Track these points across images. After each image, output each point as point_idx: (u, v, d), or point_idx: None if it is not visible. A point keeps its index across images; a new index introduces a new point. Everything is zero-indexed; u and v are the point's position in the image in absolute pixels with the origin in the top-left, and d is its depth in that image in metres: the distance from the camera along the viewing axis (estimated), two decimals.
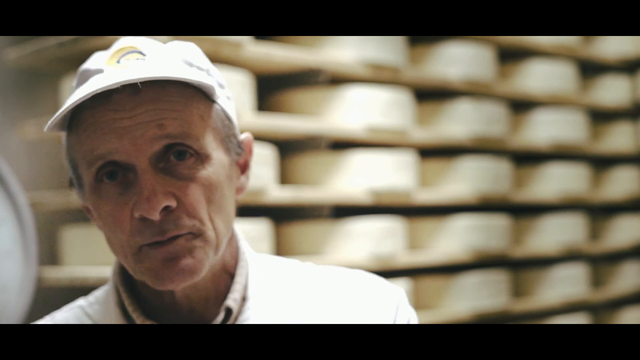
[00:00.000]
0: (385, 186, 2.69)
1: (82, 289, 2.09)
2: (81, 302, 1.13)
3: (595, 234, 3.81)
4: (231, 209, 1.05)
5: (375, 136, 2.70)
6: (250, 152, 1.11)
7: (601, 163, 3.89)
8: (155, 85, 0.99)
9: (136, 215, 0.98)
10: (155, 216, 0.97)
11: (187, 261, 0.99)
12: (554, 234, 3.40)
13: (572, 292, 3.44)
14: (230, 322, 1.07)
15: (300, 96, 2.67)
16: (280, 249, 2.60)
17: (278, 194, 2.42)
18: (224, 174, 1.03)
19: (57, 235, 2.43)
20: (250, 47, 2.39)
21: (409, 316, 1.12)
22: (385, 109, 2.72)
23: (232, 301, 1.06)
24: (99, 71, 1.01)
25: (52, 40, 2.23)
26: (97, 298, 1.12)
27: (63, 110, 0.97)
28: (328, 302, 1.10)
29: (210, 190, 1.01)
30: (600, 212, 3.85)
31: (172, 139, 0.99)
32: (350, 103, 2.65)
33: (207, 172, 1.01)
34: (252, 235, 2.31)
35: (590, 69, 3.87)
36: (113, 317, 1.07)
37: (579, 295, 3.47)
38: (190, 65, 1.05)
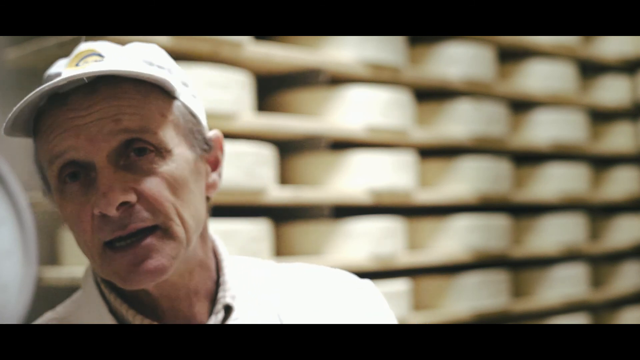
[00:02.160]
0: (385, 186, 2.68)
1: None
2: (50, 315, 1.11)
3: (595, 234, 3.81)
4: (200, 205, 1.04)
5: (375, 136, 2.70)
6: (220, 148, 1.10)
7: (601, 163, 3.89)
8: (110, 84, 0.99)
9: (95, 212, 0.98)
10: (112, 212, 0.96)
11: (154, 262, 0.98)
12: (554, 234, 3.40)
13: (572, 292, 3.44)
14: (227, 320, 1.07)
15: (300, 96, 2.67)
16: (280, 249, 2.60)
17: (278, 194, 2.42)
18: (188, 169, 1.02)
19: (57, 235, 2.43)
20: (250, 47, 2.39)
21: (378, 307, 1.14)
22: (385, 109, 2.72)
23: (230, 298, 1.07)
24: (58, 75, 1.03)
25: (52, 40, 2.23)
26: (69, 309, 1.10)
27: (15, 111, 1.00)
28: (306, 300, 1.12)
29: (175, 184, 1.00)
30: (600, 212, 3.85)
31: (129, 134, 0.98)
32: (350, 103, 2.65)
33: (169, 167, 1.00)
34: (252, 235, 2.31)
35: (590, 69, 3.87)
36: (103, 318, 1.06)
37: (579, 295, 3.47)
38: (151, 64, 1.05)
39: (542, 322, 3.32)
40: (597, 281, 3.77)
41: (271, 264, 1.17)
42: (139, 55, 1.05)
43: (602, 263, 3.81)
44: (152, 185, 0.98)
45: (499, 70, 3.41)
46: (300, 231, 2.60)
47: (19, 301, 2.36)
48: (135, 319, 1.05)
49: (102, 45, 1.05)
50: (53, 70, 1.05)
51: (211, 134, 1.09)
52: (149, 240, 0.98)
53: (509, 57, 3.48)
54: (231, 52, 2.34)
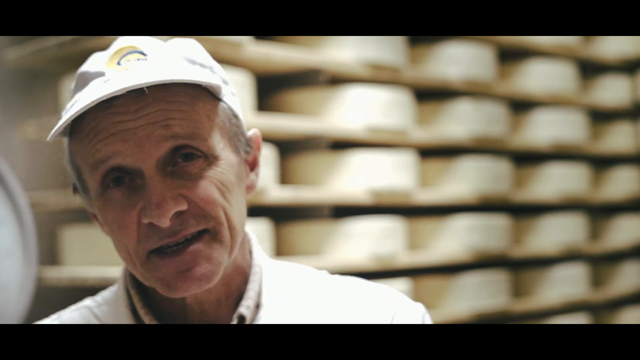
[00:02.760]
0: (385, 186, 2.68)
1: (82, 289, 2.09)
2: (89, 302, 1.11)
3: (595, 234, 3.81)
4: (244, 207, 1.03)
5: (375, 136, 2.70)
6: (258, 148, 1.08)
7: (601, 163, 3.89)
8: (159, 86, 0.95)
9: (145, 221, 0.95)
10: (166, 223, 0.94)
11: (202, 269, 0.96)
12: (554, 234, 3.40)
13: (572, 292, 3.44)
14: None
15: (300, 96, 2.67)
16: (280, 249, 2.60)
17: (278, 194, 2.42)
18: (233, 174, 1.00)
19: (57, 235, 2.43)
20: (250, 47, 2.39)
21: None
22: (385, 109, 2.72)
23: (245, 308, 1.04)
24: (100, 74, 0.98)
25: (52, 40, 2.23)
26: (106, 299, 1.10)
27: (67, 120, 0.94)
28: (342, 314, 1.07)
29: (223, 188, 0.98)
30: (600, 212, 3.85)
31: (179, 140, 0.95)
32: (350, 103, 2.65)
33: (216, 171, 0.98)
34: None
35: (590, 69, 3.87)
36: (123, 320, 1.05)
37: (579, 295, 3.47)
38: (193, 62, 1.02)
39: (542, 322, 3.32)
40: (597, 281, 3.77)
41: (319, 274, 1.13)
42: (181, 53, 1.02)
43: (602, 263, 3.81)
44: (202, 190, 0.96)
45: (499, 70, 3.41)
46: (300, 231, 2.61)
47: (19, 301, 2.36)
48: (150, 322, 1.03)
49: (143, 42, 1.01)
50: (91, 67, 1.00)
51: (250, 133, 1.07)
52: (197, 247, 0.96)
53: (509, 57, 3.48)
54: (231, 52, 2.34)
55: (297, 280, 1.10)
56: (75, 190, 1.05)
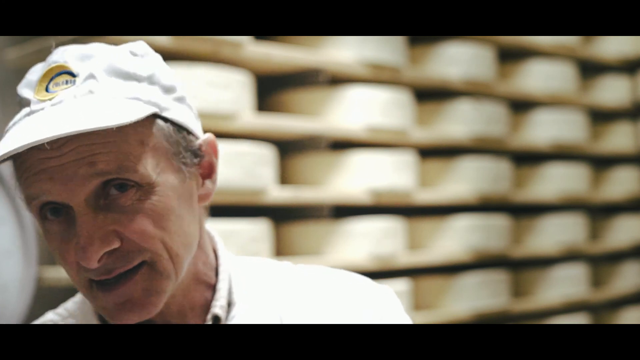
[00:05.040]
0: (385, 186, 2.68)
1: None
2: (51, 316, 1.09)
3: (595, 234, 3.81)
4: (191, 227, 0.98)
5: (375, 136, 2.70)
6: (214, 152, 1.03)
7: (601, 163, 3.89)
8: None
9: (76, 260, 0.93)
10: (94, 265, 0.91)
11: (141, 301, 0.95)
12: (554, 234, 3.40)
13: (572, 292, 3.44)
14: None
15: (300, 96, 2.67)
16: (280, 249, 2.60)
17: (278, 194, 2.42)
18: (174, 197, 0.95)
19: None
20: (250, 47, 2.39)
21: (396, 314, 1.10)
22: (385, 109, 2.72)
23: (218, 309, 1.03)
24: (26, 102, 0.97)
25: (52, 40, 2.23)
26: (70, 311, 1.08)
27: None
28: (315, 303, 1.07)
29: (160, 218, 0.94)
30: (600, 212, 3.85)
31: (105, 176, 0.91)
32: (350, 103, 2.65)
33: (152, 201, 0.93)
34: (252, 235, 2.31)
35: (590, 69, 3.87)
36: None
37: (579, 295, 3.47)
38: (127, 77, 0.95)
39: (542, 322, 3.32)
40: (597, 281, 3.77)
41: (285, 266, 1.12)
42: (114, 68, 0.95)
43: (602, 263, 3.81)
44: (136, 225, 0.92)
45: (499, 70, 3.41)
46: (300, 231, 2.61)
47: (19, 301, 2.36)
48: None
49: (73, 57, 0.96)
50: (24, 90, 0.98)
51: (202, 140, 1.01)
52: (134, 280, 0.94)
53: (509, 57, 3.48)
54: (231, 52, 2.34)
55: (265, 274, 1.09)
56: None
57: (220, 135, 2.34)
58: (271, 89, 2.72)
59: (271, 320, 1.06)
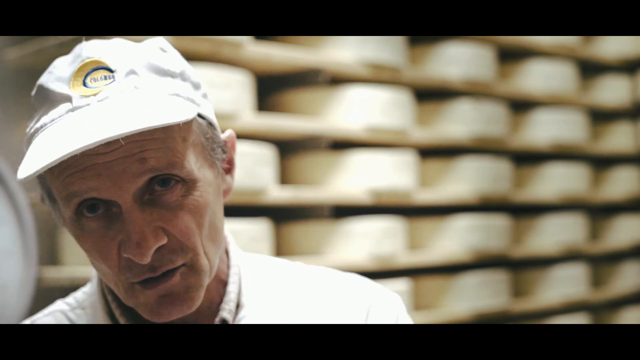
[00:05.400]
0: (385, 186, 2.68)
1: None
2: (61, 305, 1.09)
3: (595, 234, 3.81)
4: (221, 222, 1.01)
5: (375, 136, 2.70)
6: (233, 148, 1.05)
7: (601, 163, 3.89)
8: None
9: (125, 256, 0.93)
10: (147, 260, 0.91)
11: (183, 299, 0.95)
12: (554, 234, 3.40)
13: (572, 292, 3.44)
14: None
15: (300, 96, 2.67)
16: (280, 249, 2.60)
17: (278, 194, 2.42)
18: (212, 192, 0.97)
19: (57, 235, 2.43)
20: (250, 47, 2.39)
21: (402, 320, 1.11)
22: (385, 109, 2.72)
23: (227, 313, 1.03)
24: (65, 98, 0.93)
25: (52, 40, 2.23)
26: (79, 301, 1.08)
27: (39, 169, 0.86)
28: (323, 305, 1.08)
29: (200, 214, 0.95)
30: (600, 212, 3.85)
31: (155, 172, 0.91)
32: (350, 103, 2.65)
33: (195, 196, 0.94)
34: (252, 235, 2.31)
35: (590, 69, 3.87)
36: (101, 322, 1.03)
37: (579, 295, 3.47)
38: (163, 74, 0.96)
39: (542, 322, 3.32)
40: (597, 281, 3.77)
41: (296, 266, 1.13)
42: (149, 63, 0.95)
43: (602, 263, 3.81)
44: (181, 222, 0.93)
45: (499, 70, 3.41)
46: (300, 231, 2.61)
47: (19, 301, 2.36)
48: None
49: (107, 52, 0.95)
50: (56, 85, 0.94)
51: (225, 135, 1.04)
52: (176, 278, 0.95)
53: (509, 57, 3.48)
54: (231, 52, 2.34)
55: (275, 274, 1.10)
56: (42, 200, 1.01)
57: None
58: (271, 89, 2.72)
59: (279, 320, 1.06)
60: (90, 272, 1.10)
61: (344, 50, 2.67)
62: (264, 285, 1.08)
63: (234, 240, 1.12)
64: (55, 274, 2.29)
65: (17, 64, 2.38)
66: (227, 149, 1.03)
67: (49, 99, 0.94)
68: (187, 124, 0.95)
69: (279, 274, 1.11)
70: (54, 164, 0.86)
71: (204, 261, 0.96)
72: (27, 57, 2.33)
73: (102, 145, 0.88)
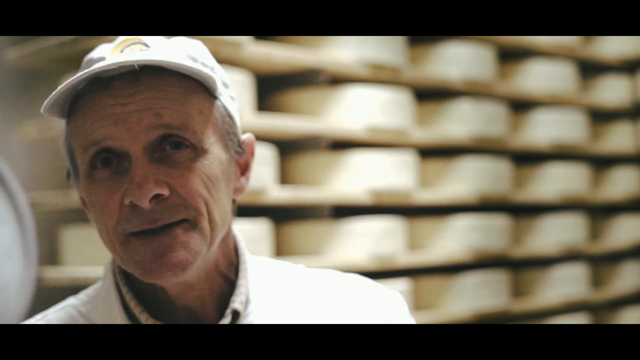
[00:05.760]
0: (385, 186, 2.68)
1: (82, 289, 2.09)
2: (72, 301, 1.11)
3: (595, 234, 3.81)
4: (227, 205, 1.04)
5: (375, 136, 2.70)
6: (251, 153, 1.09)
7: (601, 163, 3.89)
8: (155, 75, 0.98)
9: (126, 202, 0.97)
10: (145, 203, 0.95)
11: (178, 255, 0.97)
12: (554, 234, 3.40)
13: (572, 292, 3.44)
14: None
15: (300, 96, 2.67)
16: (280, 249, 2.60)
17: (278, 194, 2.42)
18: (220, 169, 1.01)
19: (57, 235, 2.43)
20: (250, 47, 2.39)
21: (403, 318, 1.13)
22: (385, 109, 2.72)
23: (238, 304, 1.05)
24: (102, 59, 1.01)
25: (52, 40, 2.23)
26: (90, 297, 1.10)
27: (58, 90, 0.97)
28: (327, 305, 1.10)
29: (207, 181, 0.99)
30: (600, 212, 3.85)
31: (168, 129, 0.97)
32: (350, 103, 2.65)
33: (203, 164, 0.99)
34: (252, 235, 2.31)
35: (590, 69, 3.87)
36: (116, 315, 1.05)
37: (579, 295, 3.47)
38: (195, 60, 1.04)
39: (542, 322, 3.32)
40: (597, 281, 3.77)
41: (299, 269, 1.15)
42: (184, 50, 1.04)
43: (602, 263, 3.81)
44: (185, 180, 0.98)
45: (499, 70, 3.41)
46: (300, 231, 2.61)
47: (19, 301, 2.36)
48: (147, 320, 1.04)
49: (148, 36, 1.04)
50: (95, 54, 1.03)
51: (244, 137, 1.09)
52: (175, 232, 0.97)
53: (509, 57, 3.48)
54: (231, 52, 2.34)
55: (280, 275, 1.13)
56: (68, 176, 1.07)
57: None
58: (271, 89, 2.72)
59: (285, 320, 1.07)
60: (98, 270, 1.11)
61: (344, 50, 2.67)
62: (270, 285, 1.10)
63: (244, 242, 1.13)
64: (55, 274, 2.29)
65: (17, 64, 2.38)
66: (244, 149, 1.08)
67: (87, 64, 1.02)
68: (207, 101, 1.02)
69: (283, 275, 1.13)
70: (76, 80, 0.95)
71: (205, 224, 0.99)
72: (27, 57, 2.33)
73: (123, 97, 0.97)
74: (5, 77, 2.41)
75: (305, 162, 2.66)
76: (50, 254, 2.43)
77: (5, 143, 2.37)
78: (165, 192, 0.96)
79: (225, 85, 1.07)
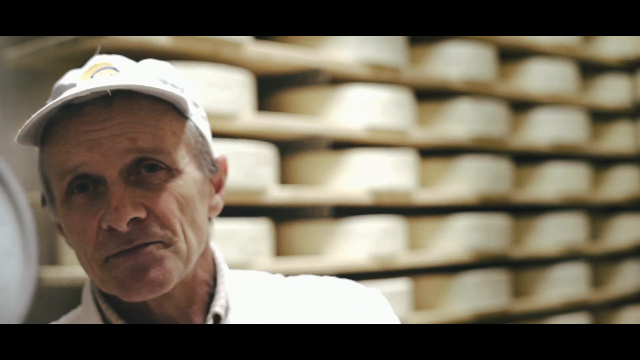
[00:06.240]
0: (385, 186, 2.68)
1: (82, 289, 2.09)
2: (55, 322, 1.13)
3: (595, 234, 3.81)
4: (204, 224, 1.05)
5: (375, 136, 2.70)
6: (225, 171, 1.11)
7: (601, 163, 3.89)
8: (127, 99, 1.00)
9: (104, 226, 0.98)
10: (123, 227, 0.96)
11: (155, 272, 0.99)
12: (554, 234, 3.40)
13: (572, 292, 3.44)
14: None
15: (300, 96, 2.67)
16: (280, 249, 2.60)
17: (278, 194, 2.42)
18: (195, 188, 1.03)
19: (57, 235, 2.43)
20: (250, 47, 2.39)
21: (384, 315, 1.13)
22: (385, 109, 2.72)
23: (219, 307, 1.07)
24: (72, 85, 1.02)
25: (52, 40, 2.23)
26: (70, 320, 1.12)
27: (32, 119, 0.98)
28: (307, 309, 1.11)
29: (182, 202, 1.00)
30: (600, 212, 3.85)
31: (143, 153, 0.99)
32: (350, 103, 2.65)
33: (178, 184, 1.01)
34: (252, 235, 2.31)
35: (590, 69, 3.87)
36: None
37: (579, 295, 3.47)
38: (165, 82, 1.05)
39: (542, 322, 3.32)
40: (597, 281, 3.77)
41: (275, 278, 1.17)
42: (154, 73, 1.05)
43: (602, 263, 3.81)
44: (162, 201, 0.99)
45: (499, 70, 3.41)
46: (300, 231, 2.61)
47: (19, 301, 2.36)
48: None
49: (116, 59, 1.05)
50: (66, 80, 1.04)
51: (217, 156, 1.11)
52: (151, 249, 0.99)
53: (509, 57, 3.48)
54: (231, 52, 2.34)
55: (258, 284, 1.14)
56: (43, 202, 1.08)
57: (220, 135, 2.35)
58: (271, 89, 2.72)
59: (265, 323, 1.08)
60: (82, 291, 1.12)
61: (344, 50, 2.67)
62: (249, 293, 1.12)
63: (221, 254, 1.15)
64: (55, 274, 2.29)
65: (17, 64, 2.38)
66: (217, 167, 1.09)
67: (58, 92, 1.03)
68: (179, 122, 1.03)
69: (262, 284, 1.14)
70: (48, 109, 0.97)
71: (181, 244, 1.01)
72: (27, 57, 2.33)
73: (96, 122, 0.98)
74: (5, 77, 2.41)
75: (305, 162, 2.66)
76: (50, 254, 2.43)
77: (5, 143, 2.37)
78: (142, 214, 0.98)
79: (195, 105, 1.08)
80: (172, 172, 1.01)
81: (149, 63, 1.07)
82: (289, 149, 2.66)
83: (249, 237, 2.29)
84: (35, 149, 1.07)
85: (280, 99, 2.70)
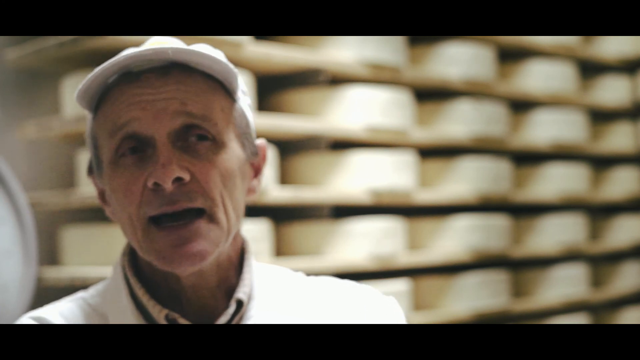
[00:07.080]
0: (385, 186, 2.68)
1: (82, 289, 2.09)
2: (82, 294, 1.14)
3: (595, 234, 3.81)
4: (241, 202, 1.09)
5: (375, 136, 2.70)
6: (264, 158, 1.16)
7: (601, 163, 3.89)
8: (182, 72, 1.04)
9: (149, 184, 1.01)
10: (168, 184, 1.00)
11: (198, 246, 1.02)
12: (554, 234, 3.40)
13: (572, 292, 3.44)
14: (238, 316, 1.09)
15: (300, 96, 2.67)
16: (280, 249, 2.60)
17: (278, 194, 2.42)
18: (237, 165, 1.07)
19: (57, 235, 2.43)
20: (250, 47, 2.39)
21: (399, 322, 1.15)
22: (385, 109, 2.72)
23: (242, 294, 1.09)
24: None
25: (52, 40, 2.23)
26: (99, 291, 1.13)
27: (92, 77, 1.01)
28: (325, 309, 1.13)
29: (224, 174, 1.04)
30: (600, 212, 3.85)
31: (192, 118, 1.03)
32: (350, 103, 2.65)
33: (223, 157, 1.04)
34: (252, 235, 2.31)
35: (590, 69, 3.87)
36: (125, 306, 1.08)
37: (579, 295, 3.47)
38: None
39: (542, 322, 3.32)
40: (597, 281, 3.77)
41: (298, 275, 1.19)
42: (211, 52, 1.07)
43: (602, 263, 3.81)
44: (206, 170, 1.03)
45: (499, 70, 3.41)
46: (300, 231, 2.61)
47: (19, 301, 2.36)
48: (154, 309, 1.06)
49: (173, 40, 1.10)
50: (125, 52, 1.07)
51: (258, 142, 1.16)
52: (196, 224, 1.02)
53: (509, 57, 3.48)
54: (231, 52, 2.34)
55: (281, 278, 1.16)
56: (90, 171, 1.11)
57: None
58: (271, 89, 2.72)
59: (284, 320, 1.10)
60: (98, 270, 1.14)
61: (344, 50, 2.67)
62: (272, 286, 1.14)
63: (250, 244, 1.17)
64: (55, 274, 2.29)
65: (17, 64, 2.38)
66: (258, 151, 1.15)
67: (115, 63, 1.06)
68: (228, 102, 1.08)
69: (284, 279, 1.17)
70: (115, 63, 1.01)
71: (222, 216, 1.04)
72: (27, 57, 2.32)
73: (151, 88, 1.02)
74: (5, 77, 2.41)
75: (305, 162, 2.66)
76: (50, 254, 2.43)
77: (5, 143, 2.37)
78: (187, 176, 1.01)
79: (244, 92, 1.13)
80: (218, 143, 1.04)
81: (204, 45, 1.10)
82: (289, 149, 2.66)
83: (249, 237, 2.28)
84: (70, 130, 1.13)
85: (280, 99, 2.70)
